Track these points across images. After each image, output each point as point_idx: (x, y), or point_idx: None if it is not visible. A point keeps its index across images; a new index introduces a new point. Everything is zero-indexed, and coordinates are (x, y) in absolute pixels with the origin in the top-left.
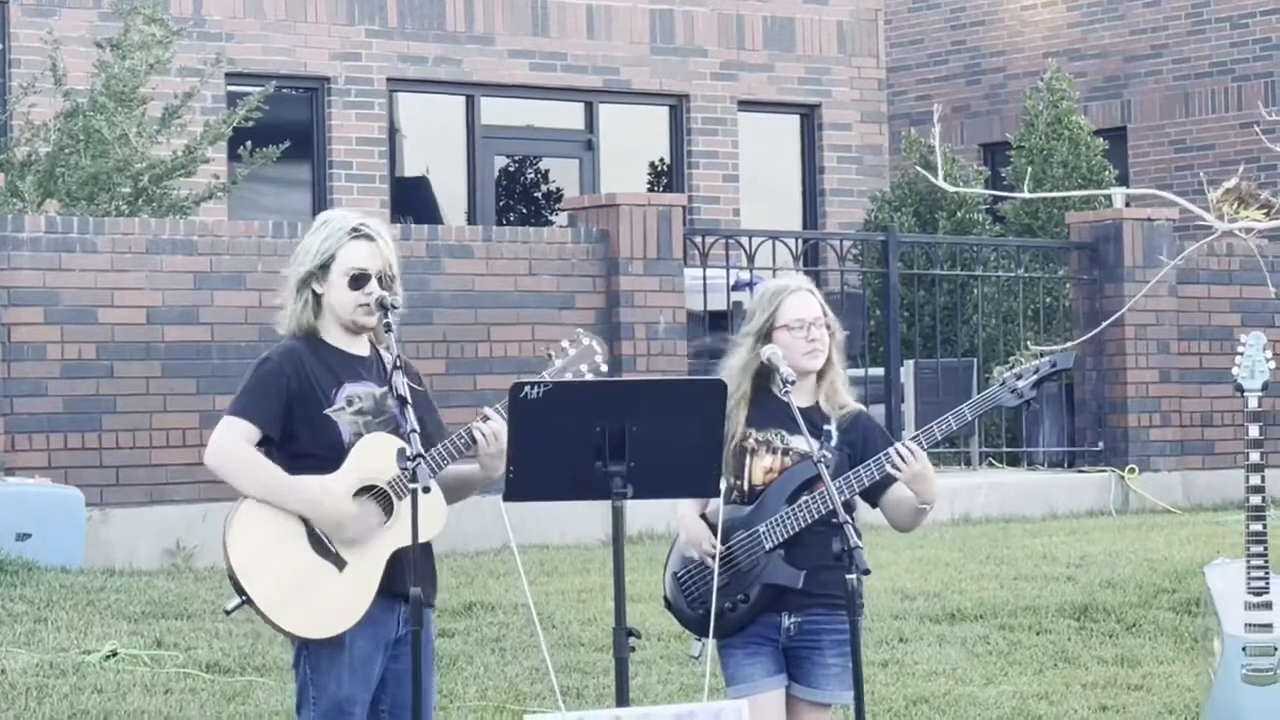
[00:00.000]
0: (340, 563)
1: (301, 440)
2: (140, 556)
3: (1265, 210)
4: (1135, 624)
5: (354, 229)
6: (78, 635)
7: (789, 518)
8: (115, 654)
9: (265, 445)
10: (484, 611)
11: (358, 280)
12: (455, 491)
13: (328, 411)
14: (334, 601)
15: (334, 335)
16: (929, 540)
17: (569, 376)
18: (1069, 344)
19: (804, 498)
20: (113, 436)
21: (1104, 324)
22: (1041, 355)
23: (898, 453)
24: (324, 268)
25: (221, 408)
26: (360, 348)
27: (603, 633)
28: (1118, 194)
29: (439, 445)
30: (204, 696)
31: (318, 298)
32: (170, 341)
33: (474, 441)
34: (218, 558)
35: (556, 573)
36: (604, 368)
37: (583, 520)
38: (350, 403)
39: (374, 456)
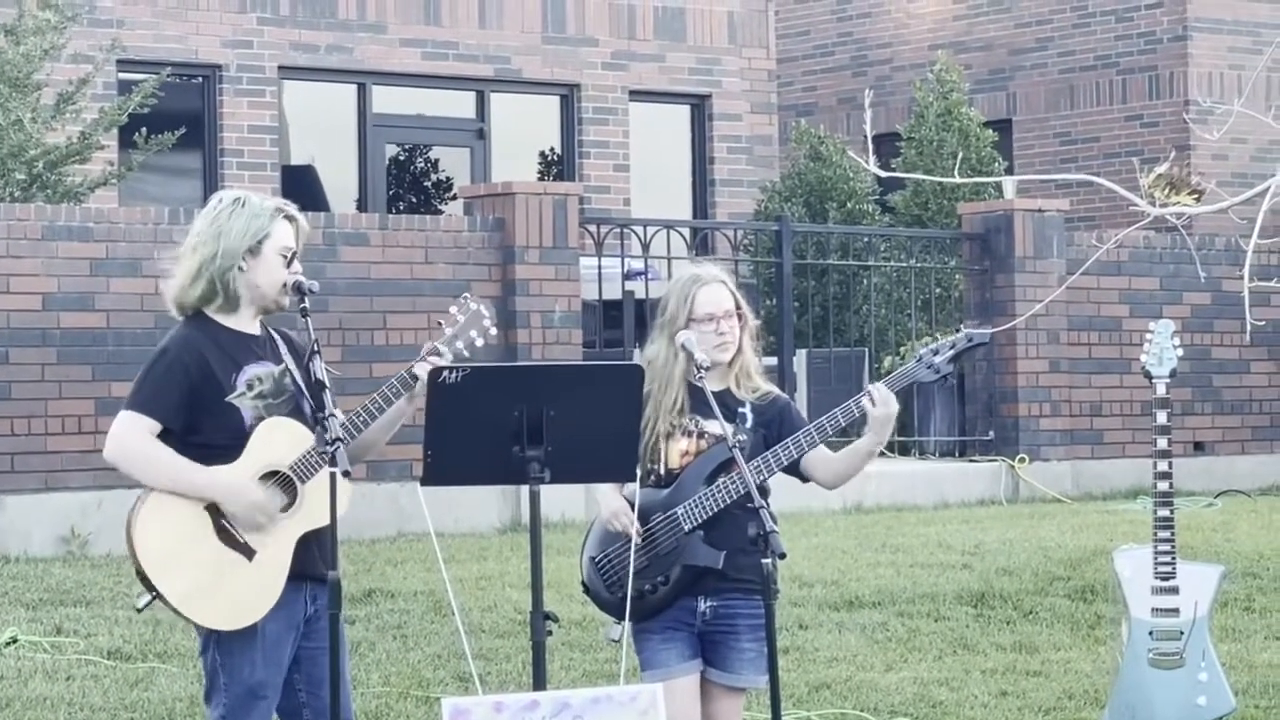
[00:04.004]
0: (249, 552)
1: (204, 430)
2: (35, 543)
3: (1195, 195)
4: (1032, 611)
5: (279, 210)
6: None
7: (707, 499)
8: (15, 640)
9: (167, 437)
10: (384, 598)
11: (289, 259)
12: (362, 452)
13: (229, 399)
14: (247, 592)
15: (232, 317)
16: (823, 528)
17: (460, 345)
18: (991, 329)
19: (721, 479)
20: (7, 423)
21: (1044, 301)
22: (958, 331)
23: (870, 394)
24: (257, 245)
25: (118, 394)
26: (254, 327)
27: (503, 619)
28: (1008, 183)
29: (355, 410)
30: (106, 683)
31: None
32: (66, 328)
33: (412, 382)
34: (114, 545)
35: (454, 560)
36: (493, 330)
37: (478, 508)
38: (250, 386)
39: (275, 441)
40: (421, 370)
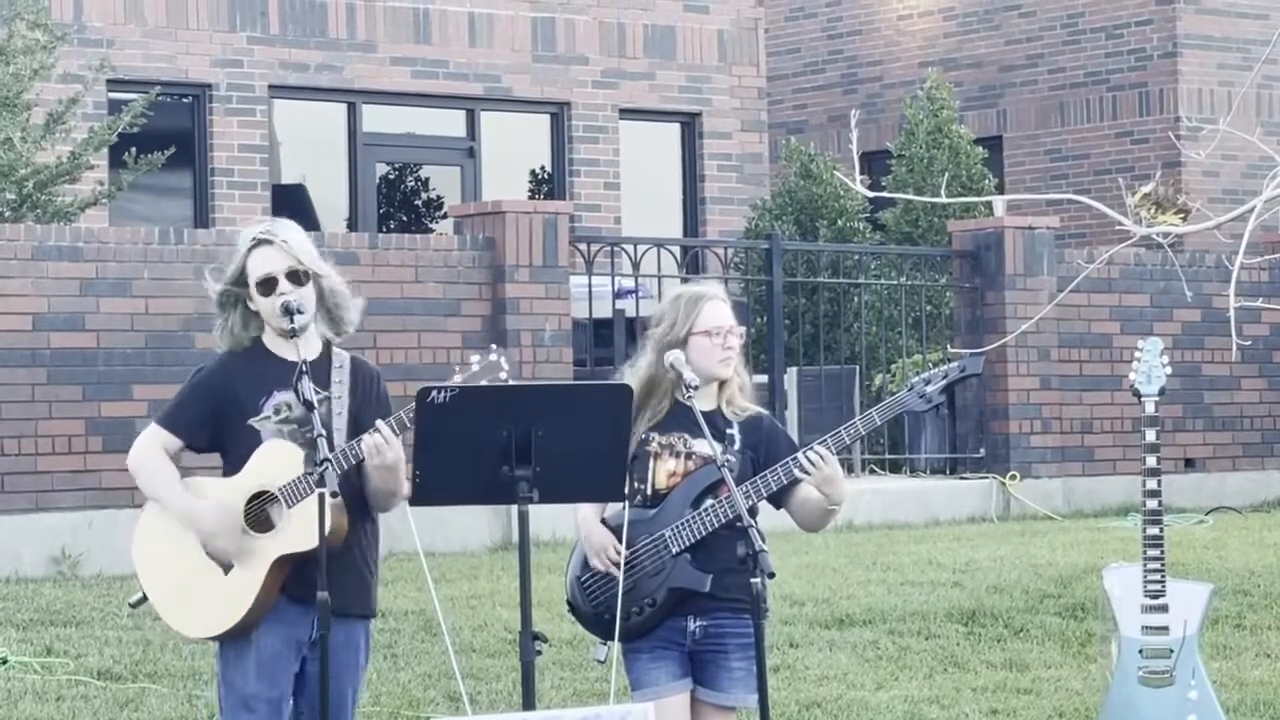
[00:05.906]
0: (226, 566)
1: (230, 452)
2: (26, 564)
3: (1182, 215)
4: (1023, 629)
5: (253, 239)
6: None
7: (695, 522)
8: (5, 661)
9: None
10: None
11: (266, 286)
12: (376, 498)
13: (251, 421)
14: (213, 603)
15: (276, 343)
16: (814, 546)
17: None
18: (981, 349)
19: (709, 502)
20: None
21: (1035, 318)
22: (950, 361)
23: (806, 458)
24: (243, 284)
25: (109, 414)
26: (307, 351)
27: (494, 639)
28: (998, 201)
29: (338, 450)
30: (96, 704)
31: (248, 311)
32: (56, 348)
33: (354, 458)
34: (105, 565)
35: (444, 579)
36: (507, 382)
37: (469, 527)
38: (277, 411)
39: (273, 463)
40: (363, 446)
